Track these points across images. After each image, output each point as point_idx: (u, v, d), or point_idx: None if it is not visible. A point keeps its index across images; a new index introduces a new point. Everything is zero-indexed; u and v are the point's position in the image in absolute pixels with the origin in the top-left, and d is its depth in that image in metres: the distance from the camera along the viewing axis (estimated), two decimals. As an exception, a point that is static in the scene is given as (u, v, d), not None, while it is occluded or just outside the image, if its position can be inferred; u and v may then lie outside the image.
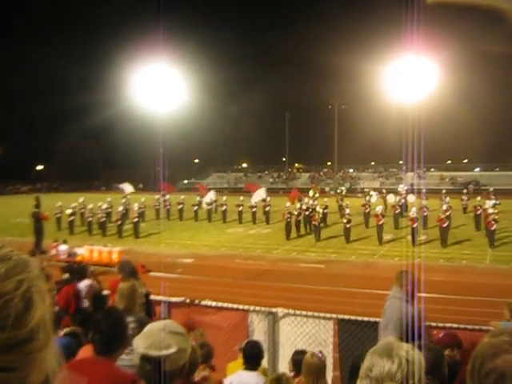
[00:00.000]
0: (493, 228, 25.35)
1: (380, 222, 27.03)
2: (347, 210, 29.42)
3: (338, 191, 41.67)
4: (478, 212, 30.15)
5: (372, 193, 40.79)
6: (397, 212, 31.55)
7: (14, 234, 28.52)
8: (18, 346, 0.76)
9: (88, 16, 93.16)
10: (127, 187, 44.50)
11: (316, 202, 34.31)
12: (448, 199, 32.97)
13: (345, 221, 27.92)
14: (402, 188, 44.21)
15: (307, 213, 31.29)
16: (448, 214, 27.42)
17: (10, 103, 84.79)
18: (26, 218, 26.14)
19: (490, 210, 26.44)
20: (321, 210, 31.36)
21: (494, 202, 29.95)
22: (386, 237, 27.47)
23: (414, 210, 26.37)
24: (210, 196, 38.41)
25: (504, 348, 1.25)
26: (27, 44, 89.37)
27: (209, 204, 37.04)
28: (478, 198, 31.95)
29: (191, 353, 2.38)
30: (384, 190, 47.20)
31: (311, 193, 39.59)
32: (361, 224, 31.44)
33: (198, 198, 38.69)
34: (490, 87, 73.05)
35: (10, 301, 0.76)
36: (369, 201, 34.44)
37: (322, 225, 30.05)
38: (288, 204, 30.85)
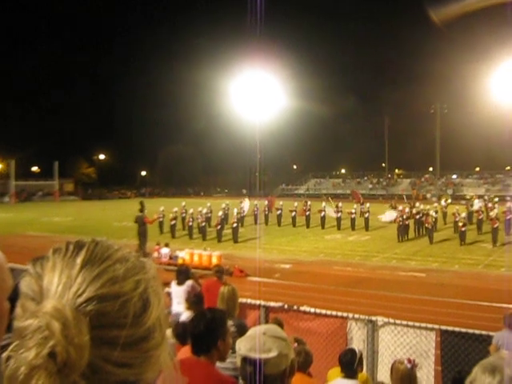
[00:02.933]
0: None
1: (495, 226, 27.54)
2: (463, 214, 30.27)
3: (444, 200, 40.27)
4: None
5: (476, 201, 39.26)
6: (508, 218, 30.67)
7: (115, 236, 29.67)
8: (135, 344, 0.81)
9: (189, 25, 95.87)
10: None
11: (428, 207, 34.40)
12: None
13: (460, 224, 28.40)
14: None
15: (418, 217, 31.86)
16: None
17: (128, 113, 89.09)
18: (130, 221, 27.14)
19: None
20: (434, 214, 31.32)
21: None
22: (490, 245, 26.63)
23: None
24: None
25: None
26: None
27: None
28: None
29: (291, 359, 2.39)
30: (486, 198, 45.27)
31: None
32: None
33: (308, 203, 38.39)
34: None
35: (128, 300, 0.81)
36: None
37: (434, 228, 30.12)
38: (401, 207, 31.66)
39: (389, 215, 35.55)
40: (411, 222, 31.37)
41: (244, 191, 70.11)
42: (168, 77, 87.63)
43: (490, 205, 36.75)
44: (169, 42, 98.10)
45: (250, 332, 2.38)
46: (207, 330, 3.36)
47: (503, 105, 55.30)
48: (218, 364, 3.45)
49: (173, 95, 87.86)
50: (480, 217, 31.58)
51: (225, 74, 66.30)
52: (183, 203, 36.76)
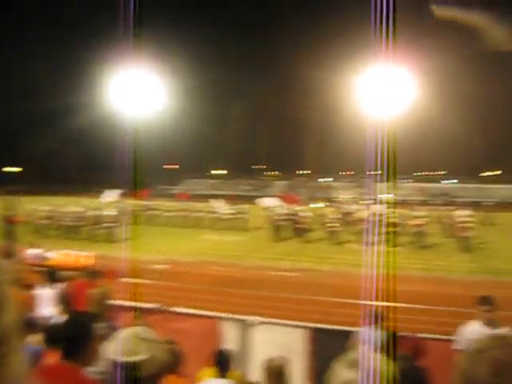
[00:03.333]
0: (466, 235, 27.50)
1: (364, 226, 29.21)
2: (335, 216, 32.08)
3: (319, 202, 42.02)
4: (449, 221, 31.79)
5: (350, 203, 41.17)
6: (374, 220, 32.34)
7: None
8: None
9: (64, 17, 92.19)
10: (107, 197, 43.26)
11: (302, 208, 35.48)
12: (422, 208, 33.43)
13: (335, 225, 30.53)
14: (386, 198, 44.55)
15: (292, 217, 32.78)
16: (424, 220, 29.61)
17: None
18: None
19: (463, 219, 28.41)
20: (307, 214, 32.99)
21: (465, 211, 30.68)
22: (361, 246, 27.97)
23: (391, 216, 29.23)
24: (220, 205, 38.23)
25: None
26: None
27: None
28: (449, 208, 33.38)
29: (162, 361, 2.36)
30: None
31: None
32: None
33: (186, 204, 38.28)
34: (464, 100, 74.15)
35: None
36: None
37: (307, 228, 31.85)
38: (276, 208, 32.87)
39: (268, 201, 36.78)
40: (286, 223, 32.26)
41: (121, 191, 68.53)
42: (44, 70, 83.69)
43: (361, 207, 38.58)
44: (48, 35, 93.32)
45: (118, 335, 2.32)
46: (76, 334, 3.24)
47: (369, 111, 58.15)
48: (88, 368, 3.33)
49: (48, 90, 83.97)
50: (350, 218, 33.14)
51: (103, 69, 64.36)
52: (56, 202, 35.35)
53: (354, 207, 38.10)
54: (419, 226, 28.14)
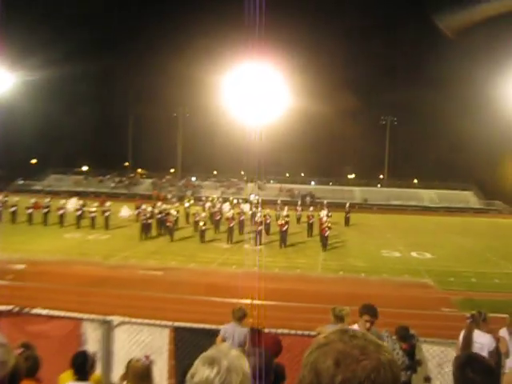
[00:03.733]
0: (326, 234, 28.52)
1: (231, 225, 30.19)
2: (203, 214, 32.23)
3: (187, 201, 42.07)
4: (311, 221, 32.84)
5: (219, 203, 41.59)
6: (241, 219, 32.93)
7: None
8: None
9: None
10: None
11: (169, 207, 35.82)
12: (286, 208, 34.47)
13: (201, 223, 30.36)
14: (254, 198, 45.48)
15: (159, 216, 33.15)
16: (287, 220, 30.20)
17: None
18: None
19: (324, 219, 29.39)
20: (175, 213, 33.46)
21: (326, 212, 32.18)
22: (225, 245, 28.52)
23: (258, 215, 29.95)
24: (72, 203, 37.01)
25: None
26: None
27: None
28: (311, 209, 34.72)
29: (13, 365, 2.26)
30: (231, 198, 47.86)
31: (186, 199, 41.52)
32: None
33: (47, 200, 36.52)
34: (327, 106, 77.52)
35: None
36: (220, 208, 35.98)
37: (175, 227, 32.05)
38: (144, 206, 32.92)
39: (124, 211, 36.35)
40: (153, 222, 32.04)
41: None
42: None
43: (229, 207, 39.02)
44: None
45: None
46: None
47: (241, 113, 59.09)
48: None
49: None
50: (217, 217, 33.50)
51: None
52: None
53: (223, 206, 38.56)
54: (282, 225, 29.05)
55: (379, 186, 77.90)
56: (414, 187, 75.00)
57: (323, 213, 31.31)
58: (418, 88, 71.58)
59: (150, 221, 31.10)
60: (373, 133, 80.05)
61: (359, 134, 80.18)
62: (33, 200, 36.65)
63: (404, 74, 79.07)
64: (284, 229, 28.94)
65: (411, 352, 7.29)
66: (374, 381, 1.30)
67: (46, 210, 35.11)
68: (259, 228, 29.33)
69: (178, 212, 34.74)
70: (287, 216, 30.79)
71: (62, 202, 35.87)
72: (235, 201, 42.59)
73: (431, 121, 76.03)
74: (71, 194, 53.13)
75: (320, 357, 1.36)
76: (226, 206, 38.07)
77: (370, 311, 6.85)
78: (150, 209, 32.80)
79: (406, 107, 76.33)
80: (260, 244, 28.35)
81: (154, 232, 31.59)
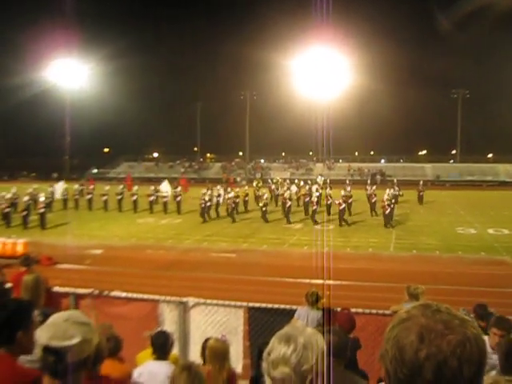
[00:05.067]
0: (387, 212, 28.53)
1: (288, 205, 30.52)
2: (265, 195, 32.29)
3: (255, 183, 42.29)
4: (373, 200, 32.74)
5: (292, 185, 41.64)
6: (306, 200, 32.77)
7: None
8: None
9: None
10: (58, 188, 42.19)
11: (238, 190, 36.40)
12: (348, 188, 34.25)
13: (261, 204, 30.94)
14: (320, 179, 45.17)
15: (247, 199, 34.73)
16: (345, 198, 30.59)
17: None
18: None
19: (385, 197, 29.26)
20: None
21: (388, 190, 31.71)
22: (296, 226, 28.56)
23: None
24: (165, 187, 37.90)
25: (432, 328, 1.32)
26: None
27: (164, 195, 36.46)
28: (373, 188, 34.37)
29: (97, 344, 2.34)
30: (296, 180, 47.78)
31: (255, 182, 41.80)
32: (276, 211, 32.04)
33: (121, 187, 37.54)
34: (395, 82, 75.93)
35: None
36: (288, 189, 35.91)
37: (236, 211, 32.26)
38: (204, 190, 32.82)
39: (164, 187, 37.16)
40: (224, 205, 32.49)
41: (54, 175, 66.99)
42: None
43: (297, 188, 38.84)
44: None
45: (50, 320, 2.28)
46: (6, 321, 3.15)
47: (308, 94, 58.79)
48: (24, 357, 3.26)
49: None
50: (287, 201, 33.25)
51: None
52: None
53: (292, 188, 38.46)
54: (340, 204, 29.04)
55: (452, 161, 75.78)
56: (489, 162, 72.40)
57: (387, 191, 31.02)
58: (490, 59, 69.13)
59: (208, 204, 31.54)
60: (444, 107, 77.92)
61: (430, 108, 78.21)
62: (107, 187, 37.70)
63: (475, 47, 76.21)
64: (342, 207, 29.06)
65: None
66: (459, 356, 1.26)
67: (119, 197, 36.07)
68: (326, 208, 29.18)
69: (247, 195, 35.05)
70: (346, 195, 31.05)
71: (135, 188, 36.73)
72: (302, 182, 42.22)
73: (505, 93, 72.89)
74: (143, 180, 54.39)
75: (402, 332, 1.33)
76: (293, 188, 37.90)
77: (501, 325, 6.23)
78: (210, 192, 33.28)
79: (478, 79, 73.86)
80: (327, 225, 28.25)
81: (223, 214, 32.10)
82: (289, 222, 29.47)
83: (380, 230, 27.55)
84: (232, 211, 30.96)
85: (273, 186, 40.95)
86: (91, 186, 39.44)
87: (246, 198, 35.29)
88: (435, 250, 22.13)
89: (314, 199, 31.06)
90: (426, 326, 1.30)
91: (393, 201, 29.58)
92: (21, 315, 3.20)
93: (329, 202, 31.44)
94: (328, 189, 35.94)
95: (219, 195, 34.61)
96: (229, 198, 31.70)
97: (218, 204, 33.58)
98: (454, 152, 79.02)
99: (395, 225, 28.53)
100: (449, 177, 65.87)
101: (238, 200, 32.82)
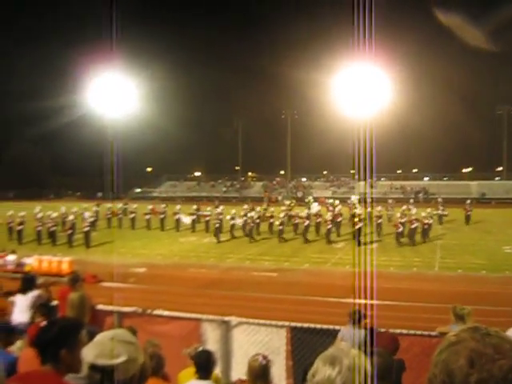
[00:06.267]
0: (399, 230, 28.72)
1: (328, 227, 30.07)
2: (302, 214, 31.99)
3: (287, 203, 41.75)
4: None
5: (314, 204, 41.00)
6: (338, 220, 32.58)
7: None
8: None
9: (40, 20, 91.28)
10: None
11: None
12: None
13: (277, 223, 31.23)
14: (354, 198, 44.43)
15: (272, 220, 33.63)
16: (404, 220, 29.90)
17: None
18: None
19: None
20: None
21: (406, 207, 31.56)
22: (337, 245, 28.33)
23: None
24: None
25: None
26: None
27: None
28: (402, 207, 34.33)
29: (142, 363, 2.35)
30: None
31: (287, 202, 41.12)
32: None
33: (163, 206, 37.89)
34: (439, 99, 75.06)
35: None
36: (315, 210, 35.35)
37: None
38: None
39: (185, 218, 37.06)
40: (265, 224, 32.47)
41: (99, 194, 68.18)
42: (15, 71, 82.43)
43: (331, 208, 38.04)
44: (23, 39, 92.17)
45: (97, 338, 2.31)
46: (52, 340, 3.19)
47: (349, 112, 58.55)
48: (72, 375, 3.29)
49: (20, 92, 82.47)
50: (318, 219, 32.76)
51: (77, 71, 64.07)
52: (37, 208, 34.71)
53: (311, 206, 37.97)
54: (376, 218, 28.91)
55: (498, 178, 74.23)
56: (536, 179, 70.56)
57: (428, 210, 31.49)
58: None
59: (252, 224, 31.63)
60: (489, 124, 76.57)
61: (474, 125, 76.93)
62: (150, 206, 38.18)
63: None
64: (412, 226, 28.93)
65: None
66: (511, 381, 1.22)
67: (162, 216, 36.47)
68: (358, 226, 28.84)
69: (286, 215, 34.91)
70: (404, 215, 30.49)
71: (177, 207, 37.05)
72: (332, 201, 41.48)
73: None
74: (186, 200, 54.81)
75: (452, 356, 1.30)
76: (315, 207, 37.03)
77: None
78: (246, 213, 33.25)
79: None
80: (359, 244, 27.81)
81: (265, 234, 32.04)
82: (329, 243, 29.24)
83: (423, 249, 27.10)
84: (251, 230, 31.28)
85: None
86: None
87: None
88: (481, 269, 21.63)
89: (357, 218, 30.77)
90: (476, 350, 1.27)
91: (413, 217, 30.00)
92: (67, 334, 3.24)
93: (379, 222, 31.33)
94: (369, 208, 35.43)
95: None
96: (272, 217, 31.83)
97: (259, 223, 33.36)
98: (499, 169, 77.45)
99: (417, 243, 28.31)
100: (494, 194, 64.47)
101: (272, 220, 32.91)
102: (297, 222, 32.37)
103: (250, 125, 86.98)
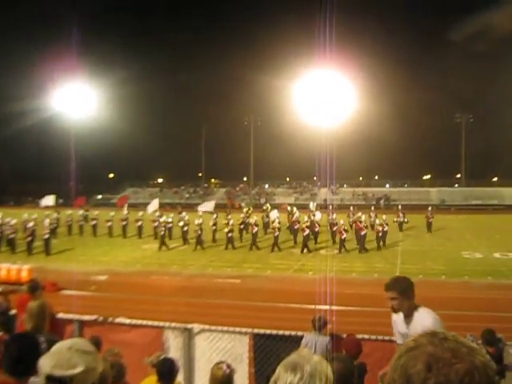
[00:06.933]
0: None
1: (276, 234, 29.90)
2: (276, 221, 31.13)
3: (245, 210, 41.20)
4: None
5: (274, 211, 40.78)
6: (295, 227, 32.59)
7: None
8: None
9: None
10: (48, 200, 43.63)
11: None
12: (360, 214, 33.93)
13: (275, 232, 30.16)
14: (312, 205, 44.07)
15: (242, 226, 33.97)
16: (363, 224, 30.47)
17: None
18: None
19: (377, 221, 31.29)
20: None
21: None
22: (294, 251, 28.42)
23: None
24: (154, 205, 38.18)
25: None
26: None
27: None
28: (357, 214, 34.72)
29: (101, 372, 2.31)
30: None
31: (245, 209, 40.74)
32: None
33: (125, 213, 37.55)
34: (400, 107, 76.27)
35: None
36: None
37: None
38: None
39: (152, 206, 37.41)
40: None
41: (60, 201, 67.12)
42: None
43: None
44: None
45: (54, 348, 2.26)
46: (19, 353, 3.17)
47: (312, 119, 59.05)
48: (33, 378, 3.24)
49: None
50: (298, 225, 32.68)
51: (38, 75, 63.14)
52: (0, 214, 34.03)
53: (270, 214, 37.80)
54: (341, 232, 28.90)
55: (457, 185, 75.74)
56: (494, 185, 72.24)
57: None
58: (493, 83, 69.43)
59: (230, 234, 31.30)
60: (448, 131, 78.09)
61: (434, 133, 78.40)
62: (112, 213, 37.73)
63: (478, 70, 76.59)
64: (362, 233, 28.98)
65: (498, 356, 6.99)
66: None
67: (124, 223, 36.09)
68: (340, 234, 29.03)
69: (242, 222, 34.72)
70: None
71: (140, 214, 36.71)
72: (289, 208, 41.30)
73: (509, 116, 72.96)
74: (147, 206, 54.34)
75: (410, 360, 1.31)
76: (274, 214, 36.83)
77: None
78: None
79: (481, 103, 74.08)
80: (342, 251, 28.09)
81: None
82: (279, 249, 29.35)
83: (385, 255, 27.43)
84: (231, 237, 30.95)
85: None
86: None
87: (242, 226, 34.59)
88: (441, 274, 22.00)
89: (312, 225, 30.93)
90: (433, 354, 1.29)
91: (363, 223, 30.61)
92: (30, 346, 3.22)
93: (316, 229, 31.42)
94: (332, 214, 35.42)
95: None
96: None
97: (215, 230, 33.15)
98: (458, 176, 79.06)
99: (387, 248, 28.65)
100: (454, 201, 65.74)
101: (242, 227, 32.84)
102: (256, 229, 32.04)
103: (213, 131, 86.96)
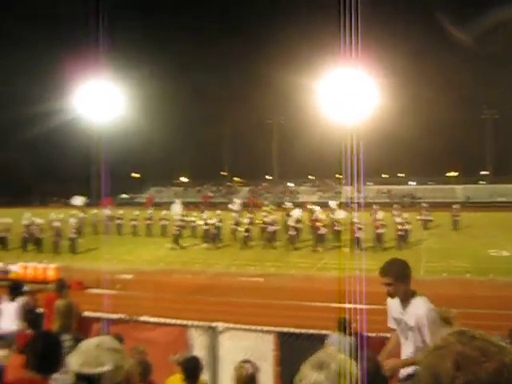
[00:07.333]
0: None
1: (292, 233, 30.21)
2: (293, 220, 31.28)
3: (266, 209, 40.90)
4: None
5: (296, 210, 40.51)
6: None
7: None
8: None
9: (25, 24, 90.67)
10: (77, 200, 44.39)
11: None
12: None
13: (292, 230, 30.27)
14: (332, 203, 43.59)
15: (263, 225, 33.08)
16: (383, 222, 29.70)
17: None
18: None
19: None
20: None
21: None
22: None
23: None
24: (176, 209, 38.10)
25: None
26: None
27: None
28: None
29: (127, 370, 2.33)
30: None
31: (266, 208, 40.45)
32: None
33: (149, 212, 37.97)
34: (425, 103, 75.51)
35: None
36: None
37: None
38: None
39: (175, 207, 37.15)
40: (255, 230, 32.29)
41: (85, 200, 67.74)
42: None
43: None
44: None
45: (81, 346, 2.28)
46: (45, 350, 3.22)
47: (336, 116, 58.68)
48: (56, 375, 3.28)
49: (5, 98, 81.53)
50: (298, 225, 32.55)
51: (64, 77, 63.74)
52: (27, 214, 34.25)
53: (292, 212, 37.54)
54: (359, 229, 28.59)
55: (482, 182, 74.82)
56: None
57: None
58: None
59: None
60: (474, 128, 77.18)
61: (459, 129, 77.47)
62: (136, 212, 37.99)
63: (505, 66, 75.43)
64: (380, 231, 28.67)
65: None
66: None
67: (148, 222, 36.37)
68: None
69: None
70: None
71: (163, 213, 36.88)
72: (334, 205, 41.10)
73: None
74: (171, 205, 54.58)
75: (438, 359, 1.31)
76: (296, 212, 36.50)
77: None
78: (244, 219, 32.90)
79: (508, 99, 72.91)
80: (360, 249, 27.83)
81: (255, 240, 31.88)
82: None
83: (406, 253, 27.17)
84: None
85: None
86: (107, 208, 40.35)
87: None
88: (466, 272, 21.75)
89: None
90: (462, 353, 1.28)
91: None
92: (55, 343, 3.26)
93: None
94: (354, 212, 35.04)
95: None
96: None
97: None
98: (483, 173, 78.07)
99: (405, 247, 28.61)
100: (479, 198, 64.89)
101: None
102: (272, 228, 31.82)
103: (236, 130, 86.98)
